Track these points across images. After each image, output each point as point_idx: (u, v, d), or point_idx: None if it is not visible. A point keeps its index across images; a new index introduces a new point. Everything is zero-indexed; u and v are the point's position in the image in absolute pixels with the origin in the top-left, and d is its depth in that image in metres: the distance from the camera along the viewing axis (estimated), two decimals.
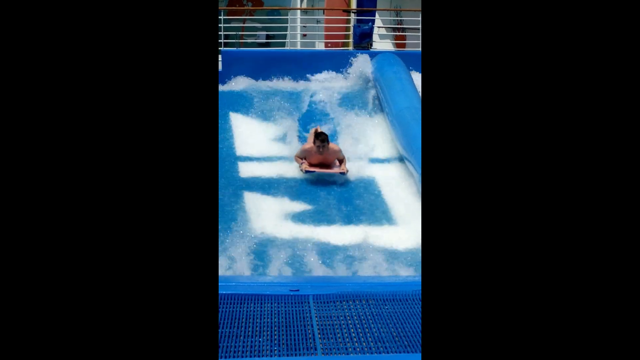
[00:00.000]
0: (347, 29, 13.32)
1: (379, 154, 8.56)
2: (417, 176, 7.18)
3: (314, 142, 7.71)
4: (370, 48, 12.64)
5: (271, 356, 3.20)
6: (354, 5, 13.83)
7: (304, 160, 7.81)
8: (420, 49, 12.96)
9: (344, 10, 13.62)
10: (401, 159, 8.16)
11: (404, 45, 14.43)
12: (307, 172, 7.66)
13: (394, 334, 3.53)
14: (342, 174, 7.65)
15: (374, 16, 13.48)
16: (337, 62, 11.07)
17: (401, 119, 8.47)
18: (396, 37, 14.74)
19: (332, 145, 7.86)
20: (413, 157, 7.50)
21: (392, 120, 8.80)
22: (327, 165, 7.82)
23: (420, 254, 5.83)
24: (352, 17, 13.32)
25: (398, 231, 6.42)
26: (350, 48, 12.69)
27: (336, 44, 13.26)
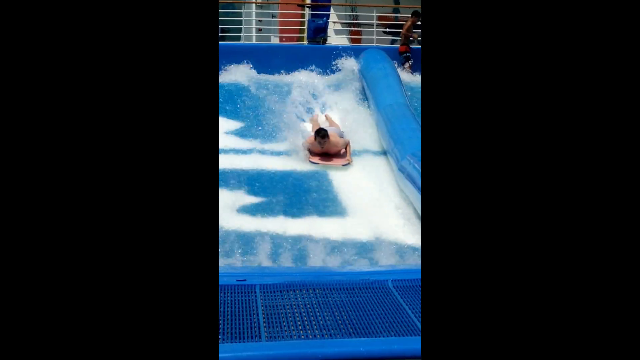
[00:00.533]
0: (302, 23, 13.31)
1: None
2: (396, 171, 7.25)
3: (315, 138, 8.08)
4: (325, 43, 12.66)
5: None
6: (308, 0, 13.82)
7: (307, 152, 8.18)
8: (374, 44, 13.06)
9: (299, 5, 13.61)
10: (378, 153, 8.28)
11: (359, 41, 14.47)
12: (312, 162, 8.06)
13: (339, 321, 3.56)
14: (346, 165, 8.01)
15: (329, 11, 13.51)
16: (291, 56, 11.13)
17: (385, 115, 8.54)
18: (351, 33, 14.77)
19: (333, 137, 8.17)
20: (393, 151, 7.60)
21: (377, 116, 8.88)
22: (332, 155, 8.18)
23: (371, 246, 5.89)
24: (307, 11, 13.32)
25: (348, 222, 6.47)
26: (305, 42, 12.70)
27: (291, 39, 13.24)
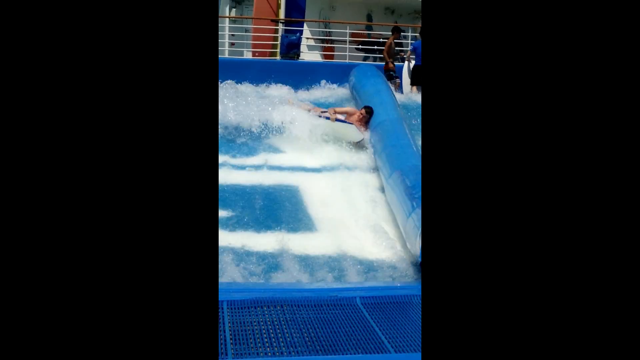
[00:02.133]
0: (275, 38, 13.33)
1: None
2: (385, 186, 7.26)
3: (361, 110, 9.22)
4: (298, 59, 12.70)
5: None
6: (282, 15, 13.86)
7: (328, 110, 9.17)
8: (347, 60, 13.12)
9: (272, 20, 13.63)
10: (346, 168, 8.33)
11: (332, 57, 14.54)
12: (337, 120, 8.92)
13: (307, 338, 3.54)
14: (359, 141, 8.82)
15: (302, 27, 13.56)
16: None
17: (377, 132, 8.60)
18: (324, 49, 14.84)
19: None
20: (383, 167, 7.57)
21: (370, 134, 8.87)
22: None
23: (341, 262, 5.87)
24: (280, 27, 13.36)
25: (318, 238, 6.44)
26: (278, 58, 12.72)
27: (263, 54, 13.25)
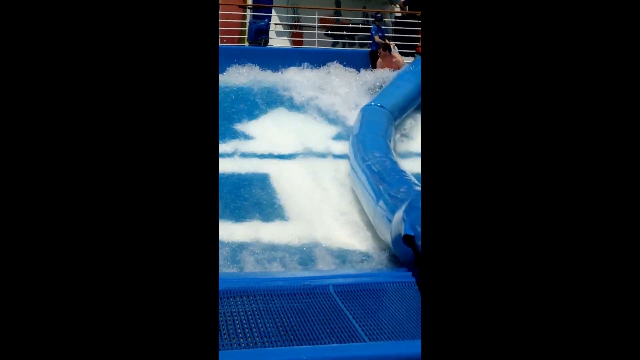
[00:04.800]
0: (243, 24, 13.21)
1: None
2: (352, 174, 7.20)
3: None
4: (266, 45, 12.61)
5: None
6: (250, 1, 13.73)
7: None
8: (316, 46, 13.07)
9: (240, 6, 13.50)
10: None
11: (300, 43, 14.47)
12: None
13: (280, 328, 3.52)
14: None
15: (271, 13, 13.46)
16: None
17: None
18: (293, 35, 14.75)
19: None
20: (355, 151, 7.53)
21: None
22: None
23: (313, 250, 5.87)
24: (248, 12, 13.24)
25: (290, 226, 6.43)
26: (246, 44, 12.61)
27: (232, 40, 13.12)
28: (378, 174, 6.37)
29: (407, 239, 4.26)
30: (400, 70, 10.91)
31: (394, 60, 11.41)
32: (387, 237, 5.30)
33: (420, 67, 10.40)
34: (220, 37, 13.32)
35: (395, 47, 12.02)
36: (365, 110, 9.01)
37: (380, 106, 9.14)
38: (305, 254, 5.72)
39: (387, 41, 12.07)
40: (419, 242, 4.14)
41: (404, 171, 6.51)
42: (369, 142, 7.60)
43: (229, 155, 8.29)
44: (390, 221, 5.16)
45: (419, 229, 4.17)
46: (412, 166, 7.37)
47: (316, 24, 13.42)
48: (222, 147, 8.44)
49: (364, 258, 5.74)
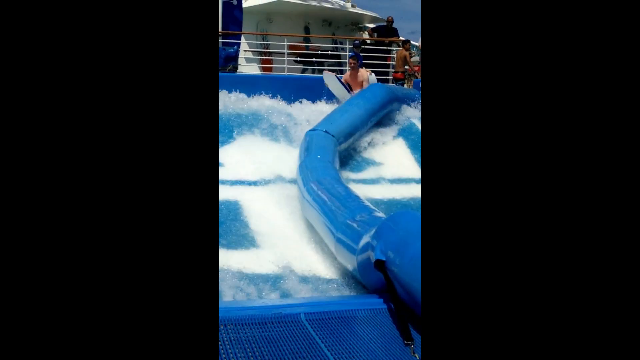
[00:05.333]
0: None
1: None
2: (300, 199, 7.15)
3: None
4: (236, 71, 12.62)
5: None
6: (219, 28, 13.76)
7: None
8: (285, 73, 13.11)
9: None
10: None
11: (270, 69, 14.51)
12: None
13: (252, 358, 3.46)
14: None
15: (240, 39, 13.49)
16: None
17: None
18: (263, 61, 14.80)
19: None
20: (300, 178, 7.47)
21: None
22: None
23: (283, 277, 5.81)
24: (218, 40, 13.24)
25: (259, 253, 6.38)
26: None
27: None
28: (332, 202, 6.30)
29: (378, 265, 4.24)
30: (353, 95, 10.91)
31: (358, 73, 11.49)
32: (351, 265, 5.25)
33: (370, 93, 10.48)
34: None
35: (372, 73, 12.08)
36: (311, 136, 8.94)
37: (325, 132, 9.09)
38: (275, 280, 5.67)
39: (364, 68, 12.14)
40: (392, 267, 4.12)
41: (358, 197, 6.47)
42: (320, 169, 7.57)
43: None
44: (354, 250, 5.10)
45: (391, 255, 4.16)
46: (361, 191, 7.38)
47: (286, 51, 13.49)
48: None
49: (333, 284, 5.70)
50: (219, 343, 3.62)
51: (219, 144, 8.99)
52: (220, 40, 13.15)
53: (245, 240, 6.68)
